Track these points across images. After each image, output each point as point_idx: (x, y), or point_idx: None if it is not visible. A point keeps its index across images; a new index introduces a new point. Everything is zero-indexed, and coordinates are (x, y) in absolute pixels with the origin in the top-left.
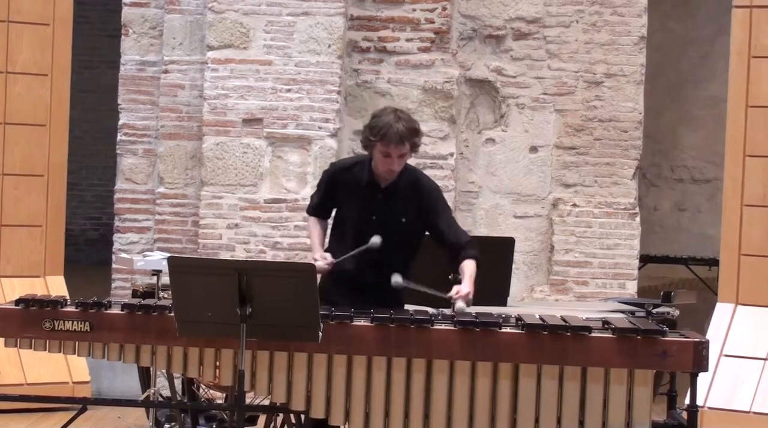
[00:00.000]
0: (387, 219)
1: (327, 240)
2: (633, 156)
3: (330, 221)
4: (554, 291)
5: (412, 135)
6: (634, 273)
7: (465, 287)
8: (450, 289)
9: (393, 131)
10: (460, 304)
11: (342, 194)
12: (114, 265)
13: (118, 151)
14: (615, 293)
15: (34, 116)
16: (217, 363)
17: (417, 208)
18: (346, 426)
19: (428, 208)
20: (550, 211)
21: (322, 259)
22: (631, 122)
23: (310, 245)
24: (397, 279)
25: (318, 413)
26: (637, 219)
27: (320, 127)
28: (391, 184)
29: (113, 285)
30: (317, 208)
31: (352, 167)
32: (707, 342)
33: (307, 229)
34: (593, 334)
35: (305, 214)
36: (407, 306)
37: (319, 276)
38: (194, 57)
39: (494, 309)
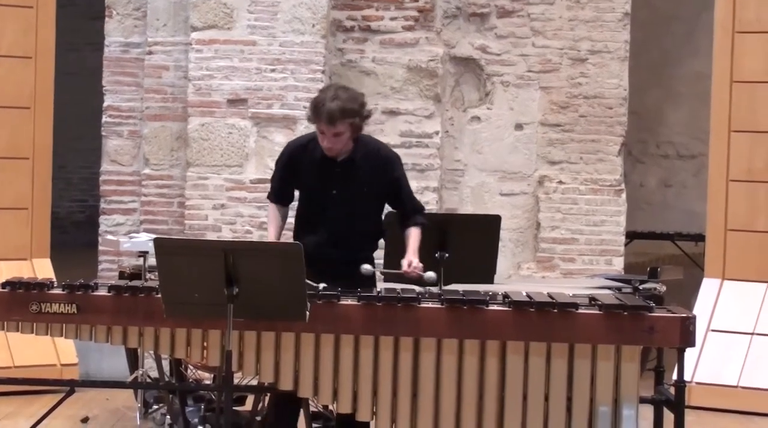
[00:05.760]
0: (348, 192)
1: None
2: (618, 132)
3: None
4: (541, 269)
5: (344, 115)
6: (621, 249)
7: (414, 260)
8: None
9: (325, 110)
10: (429, 274)
11: (301, 172)
12: (100, 247)
13: (103, 133)
14: (602, 269)
15: (18, 99)
16: (205, 344)
17: (379, 178)
18: (335, 405)
19: (391, 178)
20: (536, 188)
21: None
22: (616, 99)
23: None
24: (367, 267)
25: (306, 392)
26: (623, 195)
27: (305, 107)
28: (347, 157)
29: (100, 267)
30: (278, 192)
31: (308, 144)
32: (694, 317)
33: (267, 218)
34: (580, 311)
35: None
36: (394, 285)
37: None
38: (178, 38)
39: (481, 287)
